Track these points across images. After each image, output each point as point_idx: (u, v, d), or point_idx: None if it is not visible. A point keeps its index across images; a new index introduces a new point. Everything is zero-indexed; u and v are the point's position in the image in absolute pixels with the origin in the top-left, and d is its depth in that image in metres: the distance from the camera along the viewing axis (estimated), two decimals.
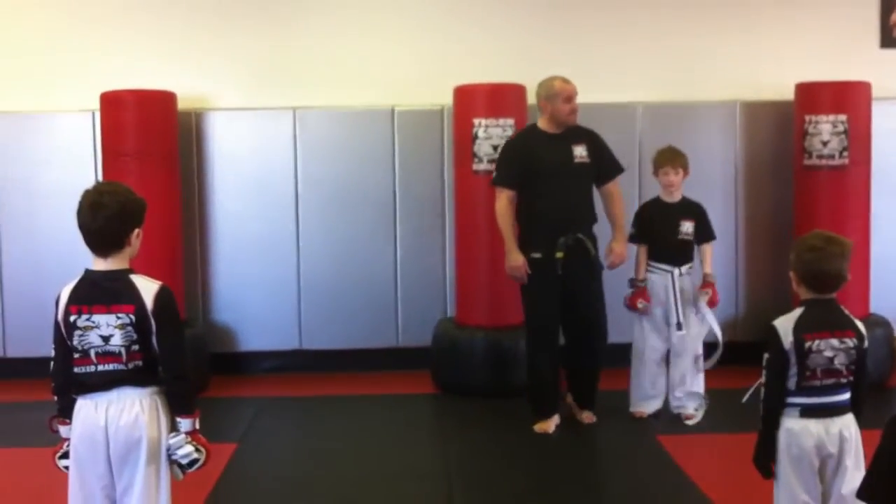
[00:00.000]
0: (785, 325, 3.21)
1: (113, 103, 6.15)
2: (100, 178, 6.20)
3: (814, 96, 6.32)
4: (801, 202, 6.43)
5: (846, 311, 3.27)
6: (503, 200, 5.25)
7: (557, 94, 5.21)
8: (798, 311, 3.23)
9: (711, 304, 5.42)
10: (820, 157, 6.27)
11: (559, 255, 5.16)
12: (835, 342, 3.17)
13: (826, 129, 6.23)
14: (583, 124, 5.36)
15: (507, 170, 5.29)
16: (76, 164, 6.43)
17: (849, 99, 6.27)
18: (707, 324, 5.43)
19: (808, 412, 3.18)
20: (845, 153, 6.23)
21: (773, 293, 6.51)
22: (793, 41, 6.82)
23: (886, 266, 6.45)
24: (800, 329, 3.18)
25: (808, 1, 6.87)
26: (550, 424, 5.31)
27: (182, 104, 6.39)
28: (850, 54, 6.77)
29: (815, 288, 3.21)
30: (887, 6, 6.89)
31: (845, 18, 6.87)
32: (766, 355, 3.22)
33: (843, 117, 6.21)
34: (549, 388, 5.38)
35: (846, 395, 3.21)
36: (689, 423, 5.34)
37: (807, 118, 6.30)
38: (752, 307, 6.70)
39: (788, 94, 6.47)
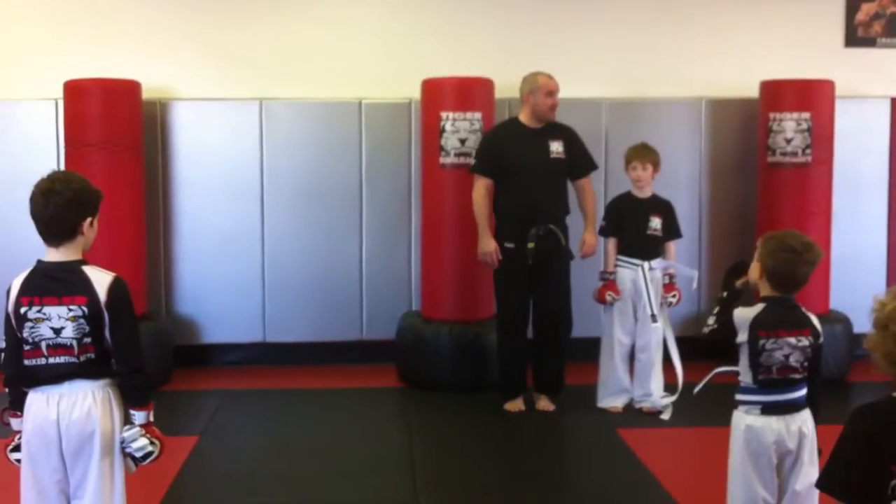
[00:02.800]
0: (742, 318, 3.25)
1: (76, 92, 6.07)
2: (62, 168, 6.11)
3: (778, 94, 6.36)
4: (765, 199, 6.48)
5: (804, 310, 3.29)
6: (480, 188, 5.41)
7: (540, 87, 5.36)
8: (758, 308, 3.25)
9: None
10: (783, 154, 6.32)
11: (530, 245, 5.29)
12: (791, 340, 3.20)
13: (790, 127, 6.28)
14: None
15: (485, 159, 5.46)
16: (38, 153, 6.33)
17: (812, 97, 6.32)
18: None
19: (769, 409, 3.21)
20: (808, 151, 6.28)
21: None
22: (758, 39, 6.87)
23: (846, 263, 6.51)
24: (756, 326, 3.21)
25: None
26: (520, 403, 5.50)
27: (147, 94, 6.32)
28: (814, 53, 6.83)
29: (779, 288, 3.23)
30: (852, 5, 6.94)
31: (810, 17, 6.92)
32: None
33: (806, 115, 6.26)
34: (516, 372, 5.53)
35: (803, 392, 3.25)
36: (664, 417, 5.34)
37: (771, 116, 6.35)
38: (715, 304, 6.71)
39: (753, 91, 6.51)
